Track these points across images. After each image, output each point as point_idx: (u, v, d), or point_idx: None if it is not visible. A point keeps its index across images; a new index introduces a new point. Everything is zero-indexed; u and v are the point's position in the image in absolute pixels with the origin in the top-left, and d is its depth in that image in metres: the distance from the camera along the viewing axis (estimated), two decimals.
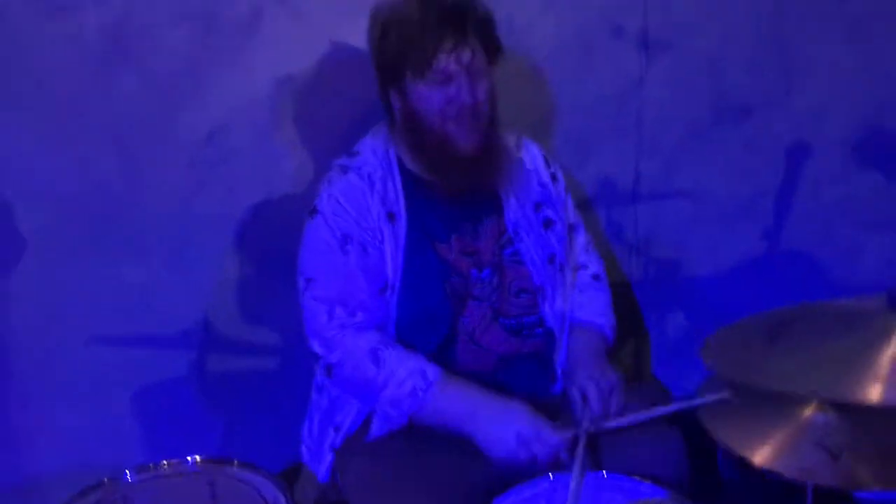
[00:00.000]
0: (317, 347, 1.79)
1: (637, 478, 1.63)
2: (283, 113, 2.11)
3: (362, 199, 1.78)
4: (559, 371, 1.91)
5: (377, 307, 1.78)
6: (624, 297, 2.37)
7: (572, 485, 1.56)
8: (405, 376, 1.71)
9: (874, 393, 1.09)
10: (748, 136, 2.30)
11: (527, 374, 1.85)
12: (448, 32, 1.69)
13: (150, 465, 1.75)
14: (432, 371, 1.73)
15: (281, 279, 2.02)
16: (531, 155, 1.96)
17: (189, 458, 1.75)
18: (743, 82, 2.26)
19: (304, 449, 1.98)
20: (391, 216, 1.78)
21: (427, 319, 1.79)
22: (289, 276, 1.92)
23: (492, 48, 1.77)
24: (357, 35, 2.01)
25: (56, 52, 1.98)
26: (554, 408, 1.83)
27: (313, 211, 1.81)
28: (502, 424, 1.67)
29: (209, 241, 2.15)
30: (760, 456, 1.32)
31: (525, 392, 1.80)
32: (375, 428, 1.80)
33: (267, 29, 2.06)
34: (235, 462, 1.73)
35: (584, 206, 2.26)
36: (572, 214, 2.01)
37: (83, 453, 2.18)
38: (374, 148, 1.85)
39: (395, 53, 1.72)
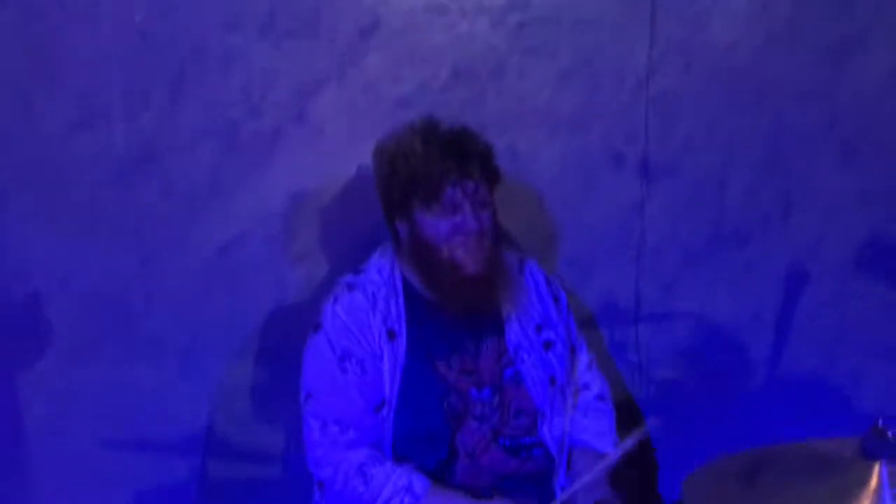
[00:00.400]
0: (310, 463, 1.83)
1: None
2: (295, 227, 2.19)
3: (364, 317, 1.83)
4: (557, 491, 1.91)
5: (371, 426, 1.82)
6: (629, 415, 2.39)
7: None
8: (392, 493, 1.74)
9: None
10: (747, 261, 2.35)
11: (524, 494, 1.86)
12: (452, 166, 1.78)
13: None
14: (419, 485, 1.75)
15: (286, 387, 2.06)
16: (533, 276, 2.02)
17: None
18: (741, 208, 2.33)
19: None
20: (391, 334, 1.83)
21: (425, 437, 1.83)
22: (293, 384, 1.97)
23: (493, 177, 1.85)
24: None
25: (85, 162, 2.09)
26: None
27: (317, 326, 1.86)
28: None
29: (219, 346, 2.21)
30: None
31: None
32: None
33: (286, 147, 2.16)
34: None
35: (587, 325, 2.30)
36: (574, 335, 2.05)
37: None
38: (381, 267, 1.91)
39: (403, 186, 1.81)
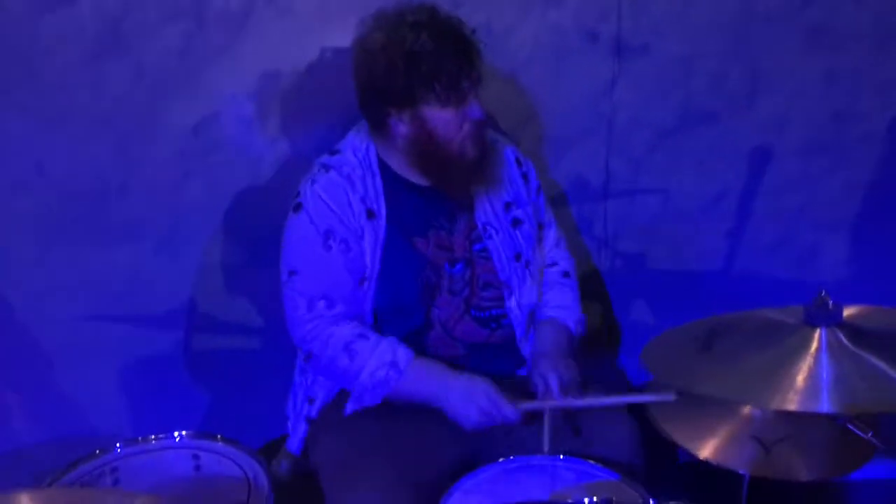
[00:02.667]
0: (297, 337, 1.91)
1: (592, 461, 1.75)
2: (268, 107, 2.20)
3: (344, 196, 1.88)
4: (525, 357, 2.03)
5: (356, 299, 1.89)
6: (594, 287, 2.50)
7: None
8: (377, 366, 1.84)
9: (791, 402, 1.21)
10: (713, 140, 2.40)
11: (494, 361, 1.98)
12: (465, 61, 1.79)
13: (139, 438, 1.87)
14: (403, 358, 1.85)
15: (264, 264, 2.13)
16: (504, 155, 2.06)
17: (175, 434, 1.87)
18: (709, 89, 2.36)
19: (288, 426, 2.10)
20: (371, 213, 1.88)
21: (402, 309, 1.91)
22: (271, 262, 2.03)
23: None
24: (344, 35, 2.12)
25: (52, 43, 2.07)
26: (520, 387, 1.96)
27: (297, 207, 1.91)
28: (467, 401, 1.81)
29: (196, 226, 2.25)
30: (704, 449, 1.44)
31: (491, 376, 1.92)
32: (349, 405, 1.92)
33: (256, 27, 2.15)
34: (219, 437, 1.85)
35: (557, 202, 2.37)
36: (543, 213, 2.11)
37: (74, 422, 2.29)
38: (356, 147, 1.95)
39: (413, 83, 1.78)
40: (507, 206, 2.01)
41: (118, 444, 1.85)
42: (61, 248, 2.20)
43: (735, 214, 2.48)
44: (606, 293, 2.52)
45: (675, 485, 1.80)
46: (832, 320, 1.32)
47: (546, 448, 1.76)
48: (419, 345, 1.92)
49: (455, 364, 1.91)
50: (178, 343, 2.33)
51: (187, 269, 2.28)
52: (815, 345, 1.31)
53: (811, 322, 1.32)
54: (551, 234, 2.13)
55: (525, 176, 2.06)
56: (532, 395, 1.90)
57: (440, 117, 1.81)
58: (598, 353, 2.52)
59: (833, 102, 2.40)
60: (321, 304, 1.88)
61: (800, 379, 1.24)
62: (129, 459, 1.82)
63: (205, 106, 2.18)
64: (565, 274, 2.14)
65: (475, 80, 1.82)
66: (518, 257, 2.00)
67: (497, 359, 1.99)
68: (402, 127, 1.84)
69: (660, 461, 1.93)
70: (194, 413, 2.38)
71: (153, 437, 1.87)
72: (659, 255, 2.50)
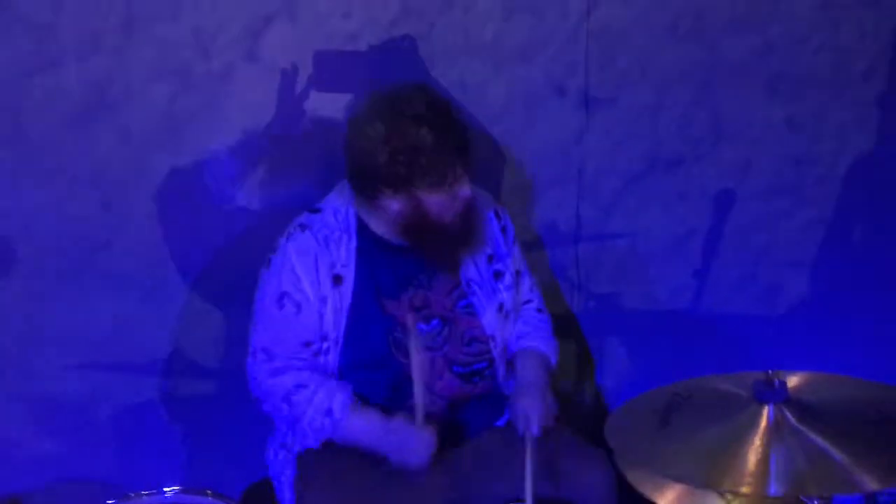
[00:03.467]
0: (249, 382, 2.02)
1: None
2: (249, 163, 2.27)
3: (312, 261, 1.95)
4: (505, 398, 2.09)
5: (301, 356, 1.97)
6: (568, 327, 2.59)
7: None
8: (312, 416, 1.94)
9: (742, 485, 1.30)
10: (679, 184, 2.51)
11: (475, 413, 2.05)
12: (464, 154, 1.88)
13: (130, 494, 1.94)
14: (339, 407, 1.93)
15: (241, 314, 2.18)
16: (484, 208, 2.11)
17: (166, 490, 1.94)
18: (675, 135, 2.46)
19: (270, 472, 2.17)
20: (337, 279, 1.96)
21: (373, 368, 1.99)
22: (247, 311, 2.09)
23: None
24: (324, 94, 2.20)
25: (40, 105, 2.13)
26: (498, 438, 2.04)
27: (268, 262, 2.00)
28: (398, 449, 1.92)
29: (177, 278, 2.32)
30: (665, 499, 1.52)
31: (471, 429, 2.02)
32: (295, 445, 2.01)
33: (238, 85, 2.22)
34: (209, 492, 1.93)
35: (531, 247, 2.45)
36: (519, 261, 2.18)
37: (58, 472, 2.34)
38: (336, 208, 2.01)
39: (410, 173, 1.85)
40: (490, 259, 2.08)
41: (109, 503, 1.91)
42: (47, 301, 2.26)
43: (701, 254, 2.58)
44: (581, 333, 2.61)
45: None
46: (778, 398, 1.41)
47: (528, 479, 1.82)
48: (401, 399, 1.99)
49: (434, 419, 1.99)
50: (162, 390, 2.38)
51: (169, 319, 2.34)
52: (763, 423, 1.40)
53: (759, 399, 1.42)
54: (527, 280, 2.21)
55: (504, 229, 2.14)
56: (507, 451, 1.97)
57: (434, 200, 1.89)
58: (575, 390, 2.62)
59: (793, 147, 2.51)
60: (262, 356, 1.98)
61: (751, 460, 1.34)
62: None
63: (188, 163, 2.25)
64: (539, 310, 2.23)
65: (469, 165, 1.90)
66: (501, 308, 2.08)
67: (477, 411, 2.06)
68: (394, 204, 1.91)
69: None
70: (177, 457, 2.44)
71: (143, 493, 1.93)
72: (630, 296, 2.60)
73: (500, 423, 2.11)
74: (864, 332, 2.63)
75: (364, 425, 1.95)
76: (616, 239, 2.54)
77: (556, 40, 2.35)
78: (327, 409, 1.94)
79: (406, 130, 1.84)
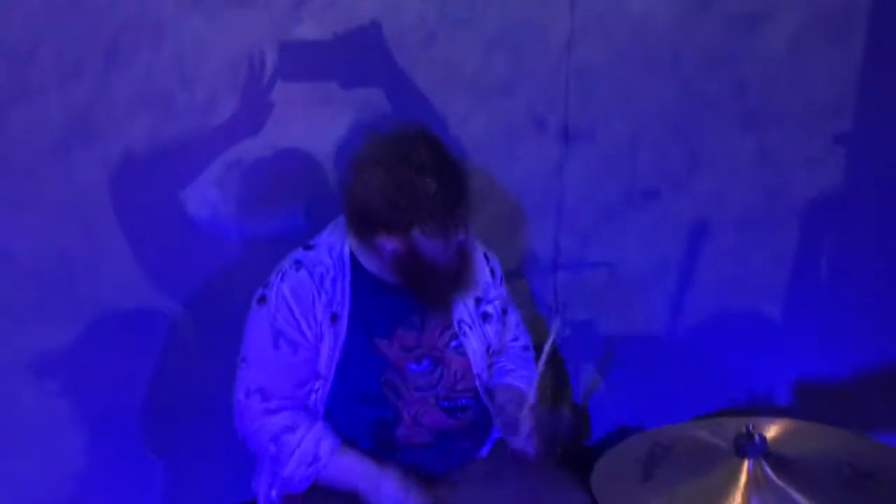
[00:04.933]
0: (235, 420, 2.01)
1: None
2: (232, 192, 2.28)
3: (308, 300, 1.94)
4: (486, 438, 2.13)
5: (294, 396, 1.98)
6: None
7: None
8: (300, 461, 1.94)
9: None
10: (655, 216, 2.56)
11: (459, 445, 2.07)
12: (463, 201, 1.88)
13: None
14: (325, 453, 1.95)
15: (225, 344, 2.19)
16: (476, 252, 2.12)
17: None
18: (651, 168, 2.52)
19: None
20: (334, 318, 1.97)
21: (362, 405, 2.00)
22: (231, 339, 2.10)
23: None
24: (306, 123, 2.22)
25: (20, 133, 2.12)
26: (479, 469, 2.07)
27: (261, 300, 1.98)
28: (379, 494, 1.93)
29: (161, 306, 2.32)
30: None
31: (455, 459, 2.05)
32: (278, 488, 2.02)
33: (221, 117, 2.23)
34: None
35: (510, 276, 2.47)
36: (506, 300, 2.20)
37: (42, 494, 2.34)
38: (331, 246, 2.00)
39: (409, 220, 1.84)
40: (478, 302, 2.10)
41: None
42: (29, 328, 2.26)
43: (676, 283, 2.64)
44: (560, 359, 2.66)
45: None
46: (758, 453, 1.46)
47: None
48: (390, 434, 2.01)
49: (419, 452, 2.02)
50: (142, 419, 2.39)
51: (152, 346, 2.35)
52: (743, 478, 1.45)
53: (740, 454, 1.47)
54: (513, 317, 2.24)
55: (492, 271, 2.15)
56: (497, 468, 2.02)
57: (431, 244, 1.89)
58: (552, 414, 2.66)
59: (765, 180, 2.57)
60: (257, 396, 1.96)
61: None
62: None
63: (170, 192, 2.26)
64: (526, 348, 2.26)
65: (469, 214, 1.92)
66: (488, 350, 2.11)
67: (461, 442, 2.08)
68: (389, 245, 1.91)
69: None
70: (158, 485, 2.45)
71: None
72: (606, 323, 2.65)
73: (483, 453, 2.15)
74: (835, 358, 2.71)
75: (348, 469, 1.96)
76: (594, 268, 2.59)
77: (536, 75, 2.39)
78: (313, 456, 1.95)
79: (409, 180, 1.84)
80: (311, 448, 1.95)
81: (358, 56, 2.28)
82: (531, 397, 1.99)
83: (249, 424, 1.99)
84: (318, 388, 1.99)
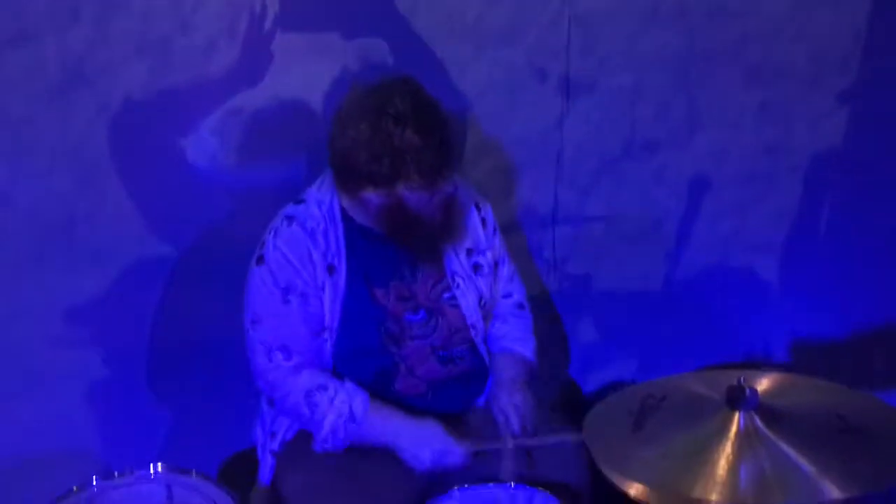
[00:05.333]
0: (259, 384, 2.02)
1: (541, 489, 1.90)
2: (231, 142, 2.27)
3: (305, 251, 1.96)
4: (483, 388, 2.15)
5: (314, 350, 1.99)
6: (543, 307, 2.65)
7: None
8: (335, 418, 1.95)
9: (711, 493, 1.36)
10: (655, 170, 2.55)
11: (454, 395, 2.10)
12: (446, 153, 1.87)
13: (115, 473, 1.96)
14: (359, 408, 1.96)
15: (223, 291, 2.20)
16: (466, 202, 2.13)
17: (151, 467, 1.97)
18: (652, 121, 2.50)
19: (257, 452, 2.21)
20: (331, 269, 1.98)
21: (366, 353, 2.02)
22: (229, 289, 2.11)
23: None
24: (305, 71, 2.19)
25: (16, 78, 2.10)
26: (479, 419, 2.10)
27: (259, 259, 1.98)
28: (419, 446, 1.94)
29: (160, 254, 2.32)
30: (633, 488, 1.57)
31: (451, 409, 2.06)
32: (314, 446, 2.03)
33: (219, 61, 2.21)
34: (193, 472, 1.96)
35: (508, 229, 2.48)
36: (499, 252, 2.20)
37: (42, 442, 2.35)
38: (320, 200, 2.02)
39: (392, 174, 1.84)
40: (469, 253, 2.11)
41: (94, 480, 1.93)
42: (29, 275, 2.26)
43: (675, 238, 2.64)
44: (556, 312, 2.67)
45: None
46: (749, 405, 1.47)
47: (508, 477, 1.88)
48: (386, 384, 2.03)
49: (415, 402, 2.04)
50: (143, 364, 2.40)
51: (149, 295, 2.35)
52: (734, 429, 1.47)
53: (730, 406, 1.48)
54: (505, 269, 2.24)
55: (484, 221, 2.15)
56: (489, 428, 2.03)
57: (415, 197, 1.89)
58: (550, 368, 2.68)
59: (766, 135, 2.55)
60: (279, 355, 1.97)
61: (720, 467, 1.40)
62: (105, 494, 1.91)
63: (169, 140, 2.24)
64: (520, 306, 2.26)
65: (453, 166, 1.91)
66: (480, 300, 2.12)
67: (456, 392, 2.10)
68: (375, 199, 1.91)
69: (607, 487, 2.09)
70: (160, 430, 2.47)
71: (128, 471, 1.95)
72: (603, 277, 2.65)
73: (479, 401, 2.16)
74: (832, 314, 2.72)
75: (381, 422, 1.97)
76: (592, 222, 2.58)
77: (538, 24, 2.36)
78: (349, 413, 1.95)
79: (390, 132, 1.83)
80: (346, 406, 1.96)
81: (358, 5, 2.25)
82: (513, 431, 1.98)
83: (279, 388, 1.99)
84: (325, 340, 2.00)
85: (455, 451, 1.94)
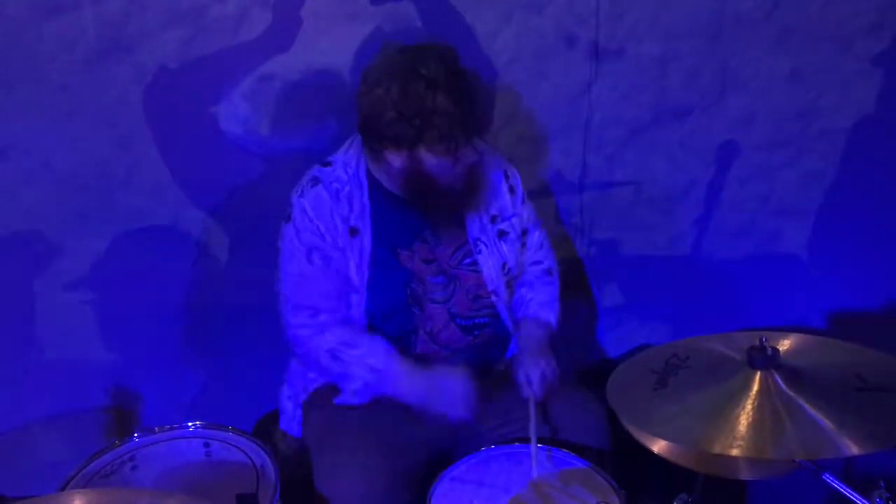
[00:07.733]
0: (287, 338, 2.07)
1: (564, 449, 1.94)
2: (263, 107, 2.31)
3: (328, 213, 1.99)
4: (505, 354, 2.19)
5: (339, 308, 2.03)
6: (572, 271, 2.67)
7: (532, 449, 1.89)
8: (361, 373, 2.00)
9: (732, 448, 1.39)
10: (684, 135, 2.55)
11: (473, 358, 2.12)
12: (475, 122, 1.88)
13: (155, 428, 2.05)
14: (384, 362, 2.00)
15: (256, 253, 2.25)
16: (493, 169, 2.15)
17: (189, 424, 2.05)
18: (681, 87, 2.49)
19: (282, 408, 2.27)
20: (354, 231, 2.01)
21: (392, 316, 2.06)
22: (261, 251, 2.16)
23: None
24: (337, 40, 2.22)
25: (55, 46, 2.16)
26: (498, 375, 2.14)
27: (288, 217, 2.03)
28: (447, 397, 1.97)
29: (194, 218, 2.39)
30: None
31: (473, 369, 2.07)
32: (339, 399, 2.08)
33: (252, 30, 2.24)
34: (230, 428, 2.03)
35: (537, 194, 2.51)
36: (529, 219, 2.22)
37: (80, 397, 2.45)
38: (347, 162, 2.05)
39: (418, 136, 1.85)
40: (494, 219, 2.12)
41: (136, 434, 2.01)
42: (68, 237, 2.33)
43: (703, 204, 2.64)
44: (584, 277, 2.69)
45: (642, 472, 1.96)
46: (770, 364, 1.50)
47: (532, 438, 1.91)
48: (407, 347, 2.07)
49: (438, 362, 2.07)
50: (177, 325, 2.47)
51: (185, 257, 2.42)
52: (755, 388, 1.49)
53: (751, 365, 1.50)
54: (535, 237, 2.25)
55: (512, 189, 2.16)
56: (512, 391, 2.06)
57: (437, 162, 1.90)
58: (576, 331, 2.71)
59: (797, 100, 2.54)
60: (305, 313, 2.02)
61: (741, 424, 1.43)
62: (146, 448, 1.99)
63: (202, 106, 2.29)
64: (549, 272, 2.27)
65: (479, 134, 1.92)
66: (504, 267, 2.14)
67: (476, 356, 2.13)
68: (397, 160, 1.93)
69: (629, 447, 2.12)
70: (194, 389, 2.55)
71: (168, 426, 2.03)
72: (631, 242, 2.67)
73: (500, 365, 2.20)
74: (862, 282, 2.71)
75: (407, 377, 2.00)
76: (620, 187, 2.59)
77: None
78: (374, 366, 2.00)
79: (421, 95, 1.83)
80: (372, 358, 2.00)
81: None
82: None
83: (304, 343, 2.04)
84: (355, 302, 2.04)
85: (478, 407, 1.97)
